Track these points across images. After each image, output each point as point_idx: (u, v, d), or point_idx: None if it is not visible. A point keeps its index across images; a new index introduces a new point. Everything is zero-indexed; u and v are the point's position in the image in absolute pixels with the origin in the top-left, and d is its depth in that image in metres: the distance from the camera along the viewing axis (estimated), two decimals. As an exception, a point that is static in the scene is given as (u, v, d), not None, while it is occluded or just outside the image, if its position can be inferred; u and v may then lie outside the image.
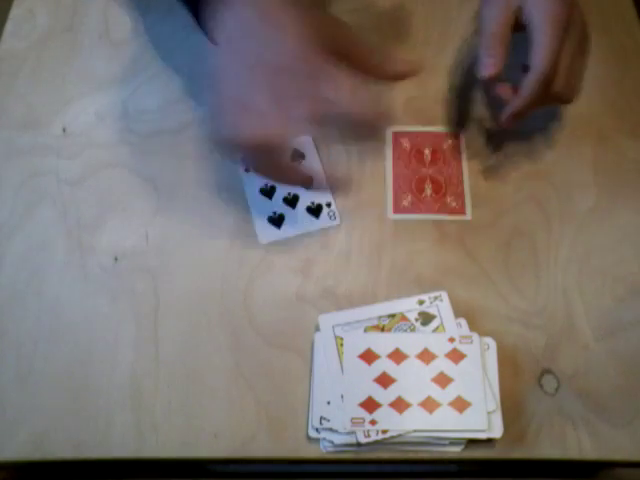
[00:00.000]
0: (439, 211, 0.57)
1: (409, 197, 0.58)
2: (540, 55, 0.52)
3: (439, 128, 0.62)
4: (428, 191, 0.58)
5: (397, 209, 0.58)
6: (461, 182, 0.59)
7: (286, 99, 0.47)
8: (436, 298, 0.52)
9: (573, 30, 0.54)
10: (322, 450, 0.48)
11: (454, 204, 0.58)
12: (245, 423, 0.49)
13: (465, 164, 0.60)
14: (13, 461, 0.49)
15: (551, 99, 0.55)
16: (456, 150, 0.61)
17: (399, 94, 0.64)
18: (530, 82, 0.53)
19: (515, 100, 0.54)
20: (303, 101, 0.47)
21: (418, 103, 0.63)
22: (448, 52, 0.66)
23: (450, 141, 0.61)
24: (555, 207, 0.58)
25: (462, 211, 0.57)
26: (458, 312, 0.52)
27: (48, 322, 0.53)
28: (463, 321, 0.51)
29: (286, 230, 0.56)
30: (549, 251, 0.56)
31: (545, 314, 0.53)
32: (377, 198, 0.58)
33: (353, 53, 0.50)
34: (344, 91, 0.47)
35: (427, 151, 0.60)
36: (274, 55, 0.48)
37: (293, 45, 0.47)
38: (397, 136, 0.61)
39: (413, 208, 0.58)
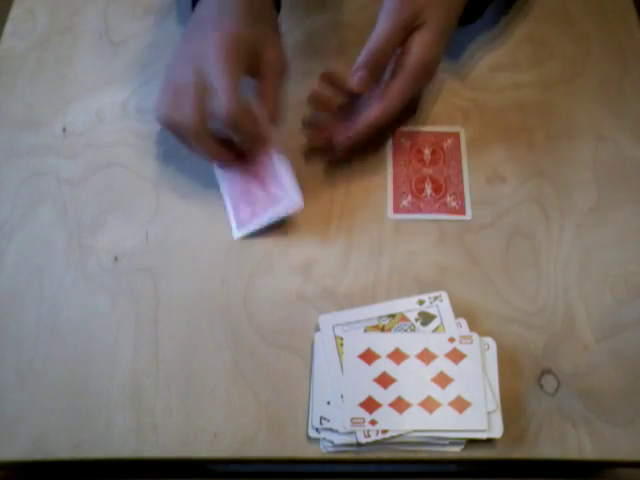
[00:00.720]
0: (439, 211, 0.57)
1: (409, 197, 0.58)
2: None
3: (440, 128, 0.62)
4: (428, 191, 0.58)
5: (397, 209, 0.58)
6: (461, 182, 0.59)
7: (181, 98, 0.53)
8: (436, 298, 0.52)
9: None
10: (322, 450, 0.48)
11: (454, 204, 0.58)
12: (245, 423, 0.49)
13: (465, 164, 0.60)
14: (13, 461, 0.49)
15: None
16: (456, 150, 0.60)
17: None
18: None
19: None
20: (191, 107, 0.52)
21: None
22: (448, 52, 0.66)
23: (450, 141, 0.61)
24: (555, 207, 0.58)
25: (462, 211, 0.57)
26: (458, 312, 0.52)
27: (48, 322, 0.53)
28: (463, 321, 0.51)
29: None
30: (549, 251, 0.56)
31: (545, 314, 0.53)
32: (377, 198, 0.58)
33: (261, 80, 0.55)
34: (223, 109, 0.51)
35: (427, 151, 0.60)
36: (197, 53, 0.53)
37: (214, 51, 0.52)
38: (397, 135, 0.61)
39: (413, 208, 0.58)
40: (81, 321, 0.53)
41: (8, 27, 0.69)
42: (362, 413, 0.47)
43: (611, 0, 0.69)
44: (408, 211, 0.58)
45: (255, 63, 0.54)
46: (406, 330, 0.51)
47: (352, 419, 0.47)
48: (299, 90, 0.60)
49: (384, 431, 0.47)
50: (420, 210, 0.58)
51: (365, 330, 0.51)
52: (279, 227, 0.57)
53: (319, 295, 0.54)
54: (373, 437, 0.46)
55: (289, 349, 0.52)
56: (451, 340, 0.50)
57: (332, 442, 0.47)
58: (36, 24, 0.69)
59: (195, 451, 0.48)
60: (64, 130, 0.62)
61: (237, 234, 0.56)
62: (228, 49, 0.52)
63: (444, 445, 0.47)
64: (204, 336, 0.52)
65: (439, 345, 0.50)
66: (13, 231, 0.57)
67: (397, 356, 0.49)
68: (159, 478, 0.59)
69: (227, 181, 0.58)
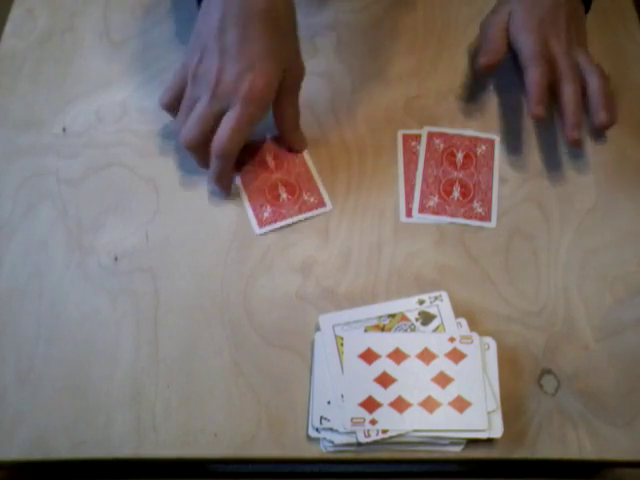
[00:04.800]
0: (464, 216, 0.57)
1: (435, 198, 0.58)
2: (526, 47, 0.58)
3: (475, 132, 0.61)
4: (456, 194, 0.58)
5: (422, 209, 0.57)
6: (490, 189, 0.58)
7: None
8: (436, 298, 0.52)
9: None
10: (322, 450, 0.48)
11: (480, 210, 0.57)
12: (245, 423, 0.49)
13: (497, 172, 0.59)
14: (13, 461, 0.49)
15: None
16: (490, 157, 0.60)
17: (399, 94, 0.64)
18: (529, 67, 0.57)
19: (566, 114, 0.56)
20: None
21: (418, 103, 0.63)
22: (448, 52, 0.66)
23: (485, 147, 0.60)
24: (555, 208, 0.58)
25: (487, 218, 0.57)
26: (458, 312, 0.52)
27: (48, 322, 0.53)
28: (463, 321, 0.51)
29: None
30: (549, 251, 0.56)
31: (545, 314, 0.53)
32: (378, 198, 0.58)
33: (279, 106, 0.57)
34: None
35: (460, 154, 0.60)
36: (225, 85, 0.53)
37: (253, 77, 0.52)
38: (432, 136, 0.61)
39: (438, 209, 0.57)
40: (81, 321, 0.53)
41: (8, 27, 0.68)
42: (362, 413, 0.47)
43: (611, 0, 0.69)
44: (433, 212, 0.57)
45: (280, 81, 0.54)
46: (406, 330, 0.51)
47: (352, 419, 0.47)
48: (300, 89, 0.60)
49: (384, 431, 0.47)
50: (445, 212, 0.57)
51: (365, 330, 0.51)
52: (279, 226, 0.57)
53: (319, 295, 0.54)
54: (373, 437, 0.46)
55: (289, 349, 0.52)
56: (451, 340, 0.50)
57: (332, 442, 0.47)
58: (36, 24, 0.69)
59: (195, 451, 0.48)
60: (64, 130, 0.62)
61: (259, 231, 0.56)
62: (257, 92, 0.53)
63: (444, 445, 0.47)
64: (204, 336, 0.52)
65: (439, 345, 0.50)
66: (13, 231, 0.57)
67: (397, 356, 0.49)
68: (159, 478, 0.59)
69: (249, 179, 0.59)
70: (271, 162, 0.60)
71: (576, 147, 0.59)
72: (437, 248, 0.56)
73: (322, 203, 0.58)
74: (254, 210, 0.57)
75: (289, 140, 0.59)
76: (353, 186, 0.59)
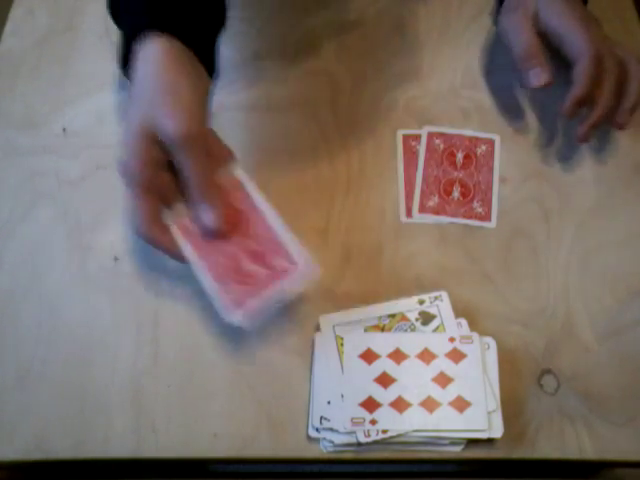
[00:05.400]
0: (464, 215, 0.57)
1: (435, 198, 0.58)
2: (579, 49, 0.55)
3: (475, 132, 0.61)
4: (456, 194, 0.58)
5: (422, 208, 0.57)
6: (490, 189, 0.58)
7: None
8: (436, 298, 0.52)
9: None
10: (322, 450, 0.48)
11: (480, 210, 0.57)
12: (245, 423, 0.49)
13: (497, 172, 0.59)
14: (13, 461, 0.49)
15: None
16: (490, 156, 0.60)
17: (399, 94, 0.64)
18: (579, 72, 0.55)
19: (592, 113, 0.56)
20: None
21: (418, 103, 0.63)
22: (448, 52, 0.66)
23: (485, 147, 0.60)
24: (555, 207, 0.58)
25: (487, 218, 0.57)
26: (458, 312, 0.52)
27: (48, 322, 0.53)
28: (463, 321, 0.51)
29: None
30: (549, 251, 0.56)
31: (545, 314, 0.53)
32: (378, 198, 0.58)
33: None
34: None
35: (460, 154, 0.60)
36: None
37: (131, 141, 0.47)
38: (431, 136, 0.61)
39: (438, 209, 0.57)
40: (81, 321, 0.53)
41: (8, 27, 0.68)
42: (362, 413, 0.47)
43: (611, 0, 0.69)
44: (433, 211, 0.57)
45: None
46: (406, 330, 0.51)
47: (352, 419, 0.47)
48: (300, 90, 0.60)
49: (384, 431, 0.47)
50: (445, 212, 0.57)
51: (365, 330, 0.51)
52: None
53: (319, 295, 0.54)
54: (373, 437, 0.46)
55: (289, 349, 0.52)
56: (451, 340, 0.50)
57: (332, 442, 0.47)
58: (36, 24, 0.69)
59: (195, 451, 0.48)
60: (64, 130, 0.62)
61: (235, 319, 0.47)
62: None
63: (444, 445, 0.47)
64: (204, 336, 0.52)
65: (439, 345, 0.50)
66: (13, 231, 0.57)
67: (397, 356, 0.49)
68: (159, 478, 0.59)
69: (204, 264, 0.49)
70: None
71: (582, 142, 0.59)
72: (437, 248, 0.56)
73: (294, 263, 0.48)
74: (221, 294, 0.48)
75: (194, 208, 0.49)
76: (353, 186, 0.59)
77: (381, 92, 0.64)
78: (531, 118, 0.62)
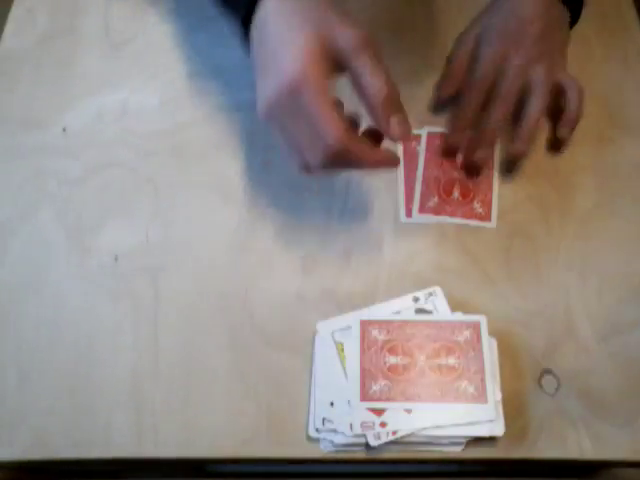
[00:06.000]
0: (464, 216, 0.57)
1: (435, 198, 0.58)
2: (478, 64, 0.58)
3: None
4: (456, 194, 0.58)
5: (422, 209, 0.57)
6: (490, 189, 0.58)
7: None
8: (430, 294, 0.52)
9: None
10: (322, 450, 0.48)
11: (480, 210, 0.57)
12: (245, 423, 0.49)
13: (496, 171, 0.59)
14: (13, 461, 0.49)
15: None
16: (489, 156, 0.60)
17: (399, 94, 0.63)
18: (467, 88, 0.59)
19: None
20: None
21: (418, 103, 0.63)
22: (448, 52, 0.66)
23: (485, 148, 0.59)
24: (555, 207, 0.58)
25: (487, 218, 0.57)
26: (458, 312, 0.52)
27: (48, 322, 0.53)
28: (459, 314, 0.51)
29: None
30: (549, 251, 0.56)
31: (545, 314, 0.53)
32: (378, 198, 0.58)
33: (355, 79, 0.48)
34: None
35: (460, 155, 0.60)
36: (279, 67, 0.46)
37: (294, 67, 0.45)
38: (431, 137, 0.61)
39: (438, 209, 0.57)
40: (81, 321, 0.53)
41: (8, 27, 0.68)
42: (371, 417, 0.47)
43: (611, 0, 0.69)
44: (434, 212, 0.57)
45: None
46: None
47: (362, 423, 0.47)
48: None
49: (394, 432, 0.47)
50: (446, 212, 0.57)
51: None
52: (279, 227, 0.57)
53: (319, 295, 0.54)
54: (384, 439, 0.46)
55: (289, 349, 0.52)
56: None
57: (332, 442, 0.47)
58: (36, 24, 0.69)
59: (195, 451, 0.48)
60: (64, 130, 0.62)
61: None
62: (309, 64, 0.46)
63: (444, 445, 0.47)
64: (204, 336, 0.52)
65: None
66: (13, 231, 0.57)
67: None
68: (159, 478, 0.59)
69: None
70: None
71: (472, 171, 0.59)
72: (437, 248, 0.56)
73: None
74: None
75: (377, 122, 0.48)
76: (353, 186, 0.59)
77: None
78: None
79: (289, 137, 0.48)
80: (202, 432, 0.49)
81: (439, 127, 0.61)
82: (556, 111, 0.59)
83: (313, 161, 0.47)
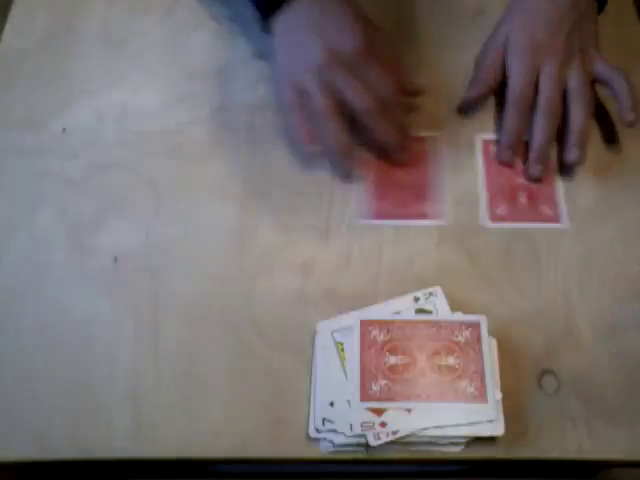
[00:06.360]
0: (535, 219, 0.57)
1: (503, 206, 0.57)
2: (512, 81, 0.58)
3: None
4: (522, 199, 0.58)
5: (493, 217, 0.57)
6: (554, 190, 0.58)
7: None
8: (431, 294, 0.52)
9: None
10: (322, 450, 0.48)
11: (549, 212, 0.57)
12: (245, 423, 0.49)
13: (558, 173, 0.59)
14: (14, 461, 0.49)
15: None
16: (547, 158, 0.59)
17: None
18: (506, 109, 0.58)
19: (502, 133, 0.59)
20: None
21: (418, 103, 0.63)
22: (448, 52, 0.66)
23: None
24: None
25: (557, 219, 0.57)
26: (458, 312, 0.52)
27: (48, 322, 0.53)
28: (460, 314, 0.51)
29: None
30: (549, 251, 0.56)
31: (545, 314, 0.53)
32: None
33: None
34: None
35: (519, 160, 0.59)
36: (337, 40, 0.54)
37: (353, 35, 0.54)
38: (487, 144, 0.60)
39: (509, 216, 0.57)
40: (81, 321, 0.53)
41: (8, 27, 0.68)
42: (371, 417, 0.47)
43: (611, 0, 0.69)
44: (505, 219, 0.57)
45: None
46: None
47: (362, 423, 0.47)
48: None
49: (394, 432, 0.47)
50: (515, 218, 0.57)
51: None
52: (279, 227, 0.57)
53: (319, 295, 0.54)
54: (384, 439, 0.46)
55: (289, 349, 0.52)
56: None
57: (332, 442, 0.47)
58: (36, 24, 0.69)
59: (195, 451, 0.48)
60: (64, 130, 0.62)
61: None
62: (365, 39, 0.54)
63: (444, 445, 0.47)
64: (204, 336, 0.52)
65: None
66: (13, 231, 0.57)
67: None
68: (159, 478, 0.59)
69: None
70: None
71: (534, 181, 0.59)
72: (437, 248, 0.56)
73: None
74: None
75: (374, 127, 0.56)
76: (353, 186, 0.59)
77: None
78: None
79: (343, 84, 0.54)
80: (202, 432, 0.49)
81: (439, 129, 0.61)
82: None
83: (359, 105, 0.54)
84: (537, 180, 0.58)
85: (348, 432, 0.47)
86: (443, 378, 0.48)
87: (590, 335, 0.52)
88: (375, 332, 0.50)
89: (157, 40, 0.67)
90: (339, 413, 0.48)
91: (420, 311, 0.52)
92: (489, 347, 0.49)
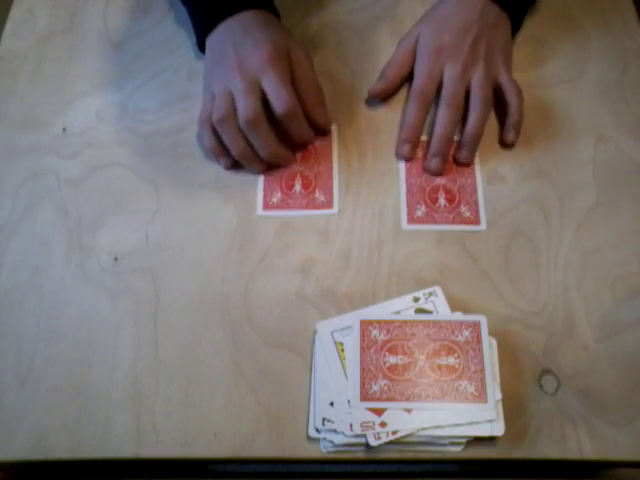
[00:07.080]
0: (454, 221, 0.57)
1: (423, 207, 0.58)
2: (416, 78, 0.61)
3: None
4: (442, 201, 0.58)
5: (411, 220, 0.57)
6: (474, 191, 0.58)
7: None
8: (430, 294, 0.52)
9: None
10: (322, 450, 0.48)
11: (468, 214, 0.57)
12: (245, 423, 0.49)
13: (478, 172, 0.59)
14: (13, 461, 0.49)
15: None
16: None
17: (399, 94, 0.64)
18: (408, 105, 0.61)
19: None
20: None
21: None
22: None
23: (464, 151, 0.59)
24: (555, 207, 0.58)
25: (476, 221, 0.57)
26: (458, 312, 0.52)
27: (48, 322, 0.53)
28: (459, 314, 0.51)
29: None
30: (549, 251, 0.56)
31: (545, 314, 0.53)
32: (378, 198, 0.58)
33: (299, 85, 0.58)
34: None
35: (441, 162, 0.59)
36: (248, 54, 0.56)
37: (262, 60, 0.55)
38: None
39: (427, 219, 0.57)
40: (81, 321, 0.53)
41: (8, 27, 0.69)
42: (371, 417, 0.47)
43: (611, 0, 0.69)
44: (422, 222, 0.57)
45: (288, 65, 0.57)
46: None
47: (362, 423, 0.47)
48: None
49: (394, 432, 0.47)
50: (434, 220, 0.57)
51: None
52: (279, 226, 0.57)
53: (319, 295, 0.54)
54: (384, 439, 0.46)
55: (289, 349, 0.52)
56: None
57: (332, 442, 0.47)
58: (36, 24, 0.69)
59: (195, 451, 0.48)
60: (64, 130, 0.62)
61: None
62: (273, 56, 0.55)
63: (444, 445, 0.47)
64: (204, 336, 0.52)
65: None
66: (13, 231, 0.57)
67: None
68: (159, 478, 0.59)
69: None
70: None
71: (434, 175, 0.59)
72: (437, 248, 0.56)
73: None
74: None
75: (310, 117, 0.59)
76: (353, 186, 0.59)
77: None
78: (531, 118, 0.62)
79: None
80: (202, 432, 0.49)
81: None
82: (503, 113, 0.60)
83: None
84: (437, 174, 0.59)
85: (348, 432, 0.47)
86: (443, 378, 0.48)
87: (590, 335, 0.52)
88: (375, 332, 0.50)
89: (157, 40, 0.67)
90: (339, 413, 0.48)
91: (420, 311, 0.52)
92: (489, 347, 0.49)
